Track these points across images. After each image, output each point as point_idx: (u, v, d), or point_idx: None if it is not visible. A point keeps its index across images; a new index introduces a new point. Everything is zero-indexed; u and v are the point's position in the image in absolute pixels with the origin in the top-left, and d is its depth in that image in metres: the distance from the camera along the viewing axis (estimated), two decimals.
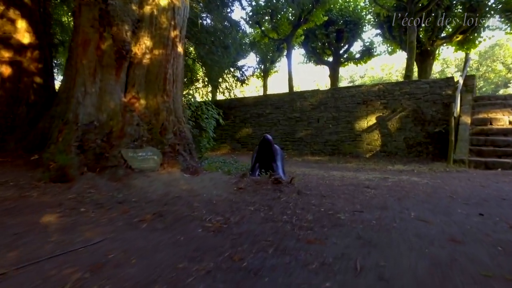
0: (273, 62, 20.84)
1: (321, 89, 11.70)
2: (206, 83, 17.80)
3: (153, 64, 3.89)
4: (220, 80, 15.30)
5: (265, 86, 21.87)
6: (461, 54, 23.43)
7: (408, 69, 11.49)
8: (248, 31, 17.02)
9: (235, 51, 14.33)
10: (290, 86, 15.27)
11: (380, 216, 2.59)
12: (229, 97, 16.36)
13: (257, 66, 22.00)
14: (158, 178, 3.30)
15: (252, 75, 17.70)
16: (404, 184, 4.50)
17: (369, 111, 10.38)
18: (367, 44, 18.10)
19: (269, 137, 4.64)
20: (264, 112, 13.51)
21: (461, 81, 7.77)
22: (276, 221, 2.40)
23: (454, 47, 15.32)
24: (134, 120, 3.64)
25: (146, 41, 3.89)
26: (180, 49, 4.08)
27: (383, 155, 9.86)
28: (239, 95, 17.89)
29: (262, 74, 22.02)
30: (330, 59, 18.04)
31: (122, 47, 3.63)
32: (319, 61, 18.35)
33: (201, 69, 15.08)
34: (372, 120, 10.29)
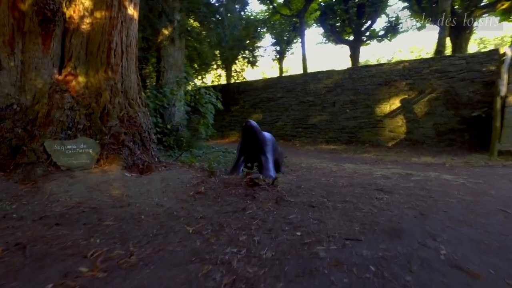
0: (289, 43, 19.46)
1: (337, 69, 10.41)
2: (214, 66, 16.87)
3: (95, 31, 2.98)
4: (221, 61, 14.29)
5: (280, 69, 20.59)
6: (502, 32, 20.85)
7: (440, 43, 9.89)
8: (258, 9, 15.72)
9: (244, 31, 13.20)
10: (304, 67, 13.97)
11: (386, 253, 1.56)
12: (238, 81, 15.39)
13: (273, 48, 20.76)
14: (85, 179, 2.44)
15: (263, 56, 16.44)
16: (431, 185, 3.38)
17: (392, 93, 9.03)
18: (392, 19, 16.28)
19: (253, 123, 3.64)
20: (274, 96, 12.41)
21: (510, 53, 6.30)
22: (206, 260, 1.45)
23: (498, 17, 13.24)
24: (65, 103, 2.77)
25: (84, 0, 2.98)
26: (131, 11, 3.13)
27: (408, 144, 8.55)
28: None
29: (277, 56, 20.74)
30: (351, 37, 16.44)
31: (45, 6, 2.73)
32: (338, 40, 16.78)
33: (209, 51, 14.11)
34: (395, 103, 8.94)
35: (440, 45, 9.86)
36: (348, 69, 10.30)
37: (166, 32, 9.85)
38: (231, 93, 14.61)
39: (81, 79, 2.88)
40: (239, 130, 13.74)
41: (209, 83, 18.48)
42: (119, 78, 3.00)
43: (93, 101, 2.86)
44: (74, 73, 2.89)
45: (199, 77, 19.36)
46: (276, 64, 22.78)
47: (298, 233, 1.84)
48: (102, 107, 2.85)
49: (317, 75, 10.97)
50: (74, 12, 2.96)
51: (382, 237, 1.77)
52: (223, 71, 17.56)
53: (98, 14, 2.96)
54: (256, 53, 15.81)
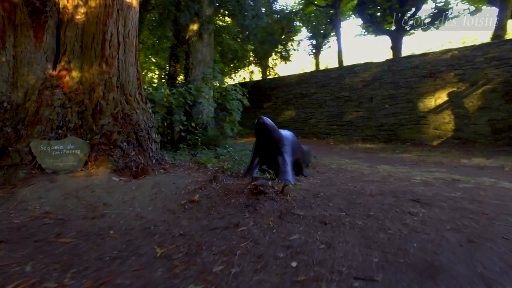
0: (326, 36, 18.56)
1: (375, 61, 9.55)
2: (248, 62, 16.56)
3: (90, 22, 2.75)
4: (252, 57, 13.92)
5: (317, 64, 19.77)
6: None
7: (499, 26, 8.60)
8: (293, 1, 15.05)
9: (276, 24, 12.70)
10: (340, 60, 13.12)
11: None
12: (270, 76, 14.96)
13: (309, 42, 20.00)
14: (65, 184, 2.20)
15: (296, 50, 15.78)
16: (485, 195, 2.72)
17: (437, 85, 8.03)
18: (440, 4, 14.71)
19: (266, 119, 3.21)
20: (308, 91, 11.81)
21: None
22: None
23: None
24: (55, 100, 2.57)
25: None
26: None
27: (456, 143, 7.54)
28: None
29: (313, 50, 19.94)
30: (392, 28, 15.17)
31: None
32: (378, 31, 15.58)
33: (240, 46, 13.82)
34: (441, 97, 7.94)
35: (499, 28, 8.57)
36: (387, 60, 9.39)
37: (194, 27, 9.72)
38: (263, 89, 14.23)
39: (75, 74, 2.69)
40: None
41: (242, 80, 18.27)
42: (114, 71, 2.76)
43: (86, 98, 2.64)
44: (68, 68, 2.70)
45: (233, 74, 19.23)
46: (312, 59, 21.97)
47: (294, 264, 1.41)
48: (94, 103, 2.63)
49: (353, 68, 10.18)
50: (67, 1, 2.76)
51: (408, 277, 1.27)
52: (256, 67, 17.23)
53: (92, 3, 2.73)
54: (290, 47, 15.21)
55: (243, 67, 17.76)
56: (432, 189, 3.03)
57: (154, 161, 2.79)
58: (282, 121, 12.84)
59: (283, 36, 16.48)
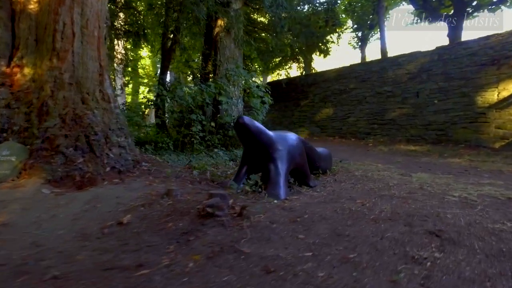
0: (372, 28, 17.06)
1: (422, 50, 8.27)
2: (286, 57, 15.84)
3: (42, 11, 2.44)
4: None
5: (363, 58, 18.31)
6: None
7: None
8: None
9: (314, 16, 11.82)
10: (383, 51, 11.78)
11: None
12: (306, 73, 14.11)
13: (353, 35, 18.66)
14: None
15: (335, 43, 14.59)
16: None
17: (503, 75, 6.59)
18: None
19: (248, 120, 2.61)
20: (347, 87, 10.80)
21: None
22: None
23: None
24: None
25: None
26: None
27: None
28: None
29: (359, 43, 18.53)
30: (450, 12, 13.26)
31: None
32: (433, 16, 13.74)
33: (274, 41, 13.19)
34: (508, 88, 6.50)
35: None
36: (437, 48, 8.03)
37: (221, 23, 9.37)
38: (300, 86, 13.47)
39: (27, 70, 2.41)
40: (309, 126, 12.53)
41: (275, 77, 17.60)
42: (67, 67, 2.41)
43: (35, 97, 2.34)
44: (20, 64, 2.44)
45: (276, 71, 18.60)
46: (358, 53, 20.51)
47: None
48: (41, 103, 2.31)
49: (397, 59, 8.98)
50: None
51: None
52: (294, 63, 16.45)
53: None
54: (331, 40, 14.15)
55: (285, 63, 17.03)
56: (470, 213, 2.18)
57: (108, 168, 2.40)
58: (319, 120, 11.98)
59: (327, 29, 15.46)
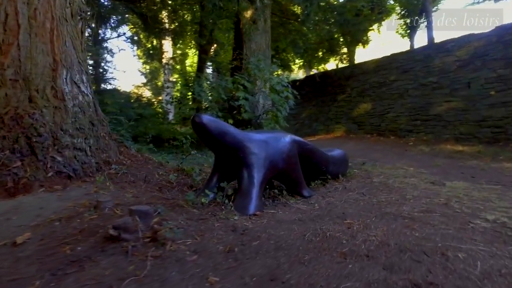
0: (422, 13, 15.31)
1: (476, 32, 6.99)
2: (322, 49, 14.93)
3: None
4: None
5: (412, 47, 16.59)
6: None
7: None
8: None
9: (350, 3, 10.82)
10: (430, 37, 10.36)
11: None
12: (344, 64, 13.10)
13: (402, 20, 16.98)
14: None
15: (376, 31, 13.23)
16: None
17: None
18: None
19: (205, 118, 2.14)
20: (386, 80, 9.73)
21: None
22: None
23: None
24: None
25: None
26: None
27: None
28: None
29: (407, 30, 16.83)
30: None
31: None
32: None
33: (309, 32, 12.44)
34: None
35: None
36: (496, 28, 6.70)
37: (247, 14, 8.96)
38: (337, 79, 12.56)
39: None
40: (345, 123, 11.63)
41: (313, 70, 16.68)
42: (11, 62, 2.19)
43: None
44: None
45: (313, 64, 17.72)
46: (406, 41, 18.70)
47: None
48: None
49: (444, 45, 7.77)
50: None
51: None
52: (333, 55, 15.46)
53: None
54: (371, 28, 12.95)
55: (325, 56, 16.04)
56: (498, 254, 1.51)
57: (51, 173, 2.13)
58: (356, 115, 11.03)
59: (373, 18, 14.22)
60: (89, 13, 3.08)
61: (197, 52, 16.54)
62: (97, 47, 12.25)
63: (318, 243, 1.64)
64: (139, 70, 24.22)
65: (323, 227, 1.90)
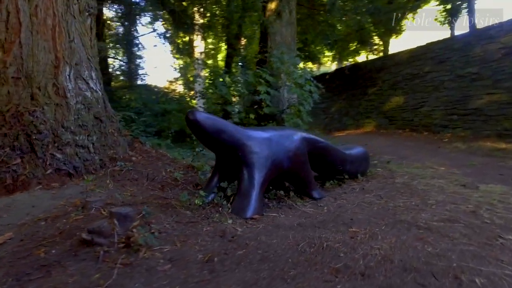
0: None
1: None
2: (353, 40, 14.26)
3: None
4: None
5: (452, 35, 15.38)
6: None
7: None
8: None
9: None
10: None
11: None
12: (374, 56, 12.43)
13: (441, 6, 15.79)
14: None
15: (410, 19, 12.32)
16: None
17: None
18: None
19: (199, 115, 2.00)
20: (420, 71, 9.07)
21: None
22: None
23: None
24: None
25: None
26: None
27: None
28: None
29: (447, 17, 15.63)
30: None
31: None
32: None
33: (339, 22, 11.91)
34: None
35: None
36: None
37: (272, 6, 8.72)
38: (368, 71, 11.97)
39: None
40: (376, 118, 11.08)
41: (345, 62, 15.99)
42: (13, 60, 2.20)
43: None
44: None
45: (344, 56, 17.02)
46: (446, 29, 17.39)
47: None
48: None
49: (487, 31, 7.04)
50: None
51: None
52: (365, 47, 14.74)
53: None
54: (405, 17, 12.13)
55: (361, 48, 15.27)
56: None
57: (50, 171, 2.13)
58: (387, 110, 10.45)
59: (409, 5, 13.34)
60: (94, 9, 3.06)
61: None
62: (128, 44, 12.65)
63: (311, 255, 1.47)
64: (172, 66, 24.74)
65: (322, 235, 1.72)
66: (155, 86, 13.91)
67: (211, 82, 8.09)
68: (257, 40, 13.77)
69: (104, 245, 1.34)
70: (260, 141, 2.23)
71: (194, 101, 9.66)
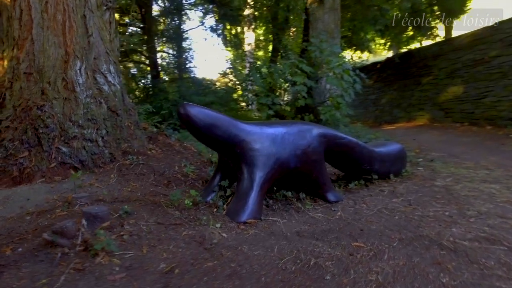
0: None
1: None
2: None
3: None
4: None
5: None
6: None
7: None
8: None
9: None
10: None
11: None
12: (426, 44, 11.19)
13: None
14: None
15: None
16: None
17: None
18: None
19: (192, 109, 1.81)
20: (485, 56, 7.90)
21: None
22: None
23: None
24: None
25: None
26: None
27: None
28: None
29: None
30: None
31: None
32: None
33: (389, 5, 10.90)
34: None
35: None
36: None
37: None
38: (422, 59, 10.85)
39: (4, 63, 2.39)
40: (430, 110, 10.05)
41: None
42: (25, 56, 2.25)
43: (1, 89, 2.30)
44: (1, 57, 2.44)
45: (400, 44, 15.61)
46: None
47: None
48: (2, 95, 2.25)
49: None
50: None
51: None
52: (421, 35, 13.35)
53: None
54: None
55: (418, 33, 13.85)
56: None
57: (55, 164, 2.16)
58: (443, 101, 9.40)
59: None
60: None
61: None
62: (178, 38, 13.07)
63: (291, 274, 1.25)
64: (218, 59, 25.16)
65: (316, 249, 1.48)
66: (203, 79, 14.19)
67: (247, 73, 7.97)
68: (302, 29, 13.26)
69: (65, 247, 1.27)
70: (262, 137, 2.02)
71: (239, 92, 9.49)
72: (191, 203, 1.86)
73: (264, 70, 7.10)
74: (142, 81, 12.19)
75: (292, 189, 2.41)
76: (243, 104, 9.10)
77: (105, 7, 3.01)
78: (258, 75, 6.76)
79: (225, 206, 1.97)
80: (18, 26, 2.31)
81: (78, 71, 2.45)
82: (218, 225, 1.71)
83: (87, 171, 2.35)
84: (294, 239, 1.61)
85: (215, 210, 1.94)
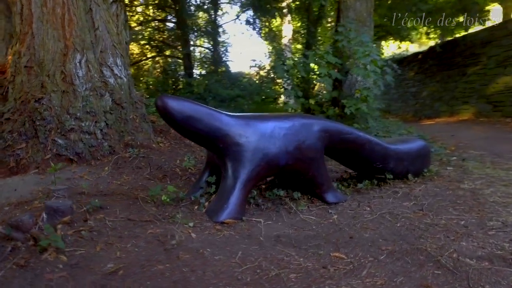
0: None
1: None
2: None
3: None
4: None
5: None
6: None
7: None
8: None
9: None
10: None
11: None
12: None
13: None
14: None
15: None
16: None
17: None
18: None
19: (167, 100, 1.69)
20: None
21: None
22: None
23: None
24: None
25: None
26: None
27: None
28: None
29: None
30: None
31: None
32: None
33: None
34: None
35: None
36: None
37: None
38: (468, 47, 9.87)
39: (10, 57, 2.47)
40: (475, 103, 9.15)
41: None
42: (26, 50, 2.30)
43: (5, 83, 2.39)
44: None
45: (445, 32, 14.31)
46: None
47: None
48: (5, 89, 2.33)
49: None
50: None
51: None
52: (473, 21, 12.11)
53: None
54: None
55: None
56: None
57: (49, 155, 2.18)
58: (492, 93, 8.49)
59: None
60: None
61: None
62: (213, 31, 13.19)
63: (243, 285, 1.10)
64: (263, 52, 24.93)
65: (286, 258, 1.32)
66: (239, 72, 14.20)
67: (273, 66, 7.77)
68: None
69: (19, 241, 1.24)
70: (247, 131, 1.87)
71: (274, 86, 9.27)
72: (168, 199, 1.78)
73: (288, 62, 6.86)
74: (177, 75, 12.43)
75: (293, 189, 2.24)
76: (277, 97, 8.92)
77: (111, 0, 3.01)
78: (283, 68, 6.54)
79: (206, 203, 1.86)
80: (19, 21, 2.38)
81: (77, 64, 2.47)
82: (191, 224, 1.60)
83: (83, 163, 2.37)
84: (267, 245, 1.45)
85: (196, 207, 1.85)
